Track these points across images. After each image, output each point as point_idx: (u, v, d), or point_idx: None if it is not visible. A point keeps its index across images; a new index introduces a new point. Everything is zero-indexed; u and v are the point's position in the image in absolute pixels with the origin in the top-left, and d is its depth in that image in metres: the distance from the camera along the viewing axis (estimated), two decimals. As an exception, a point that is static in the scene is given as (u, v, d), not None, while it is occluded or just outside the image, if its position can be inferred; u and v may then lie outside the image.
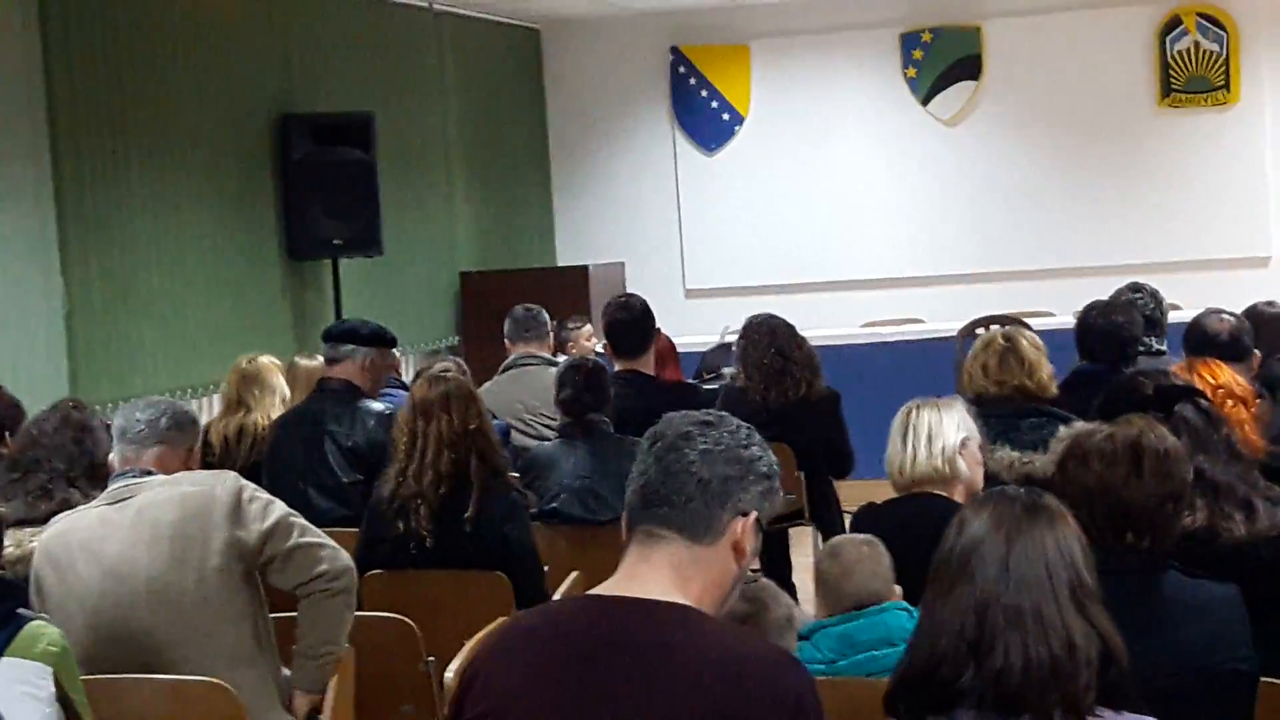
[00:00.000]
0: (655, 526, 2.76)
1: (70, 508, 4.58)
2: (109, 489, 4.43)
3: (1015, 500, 2.83)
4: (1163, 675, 3.23)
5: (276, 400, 6.94)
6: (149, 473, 4.42)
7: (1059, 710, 2.65)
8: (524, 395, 7.60)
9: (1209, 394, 4.81)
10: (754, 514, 2.79)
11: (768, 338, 7.55)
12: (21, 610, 3.88)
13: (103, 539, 4.27)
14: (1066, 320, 7.16)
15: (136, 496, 4.32)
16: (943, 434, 4.92)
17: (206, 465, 6.41)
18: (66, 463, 4.95)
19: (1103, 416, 4.15)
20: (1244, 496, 4.10)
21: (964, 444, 4.94)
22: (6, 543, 4.54)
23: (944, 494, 4.85)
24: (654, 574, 2.73)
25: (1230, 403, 5.13)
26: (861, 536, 4.35)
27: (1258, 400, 5.46)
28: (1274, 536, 4.05)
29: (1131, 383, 4.87)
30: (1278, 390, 6.05)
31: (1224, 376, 5.47)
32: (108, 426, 4.93)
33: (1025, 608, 2.69)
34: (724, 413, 2.90)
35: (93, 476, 4.86)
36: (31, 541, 4.44)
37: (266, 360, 7.15)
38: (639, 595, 2.70)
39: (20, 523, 4.66)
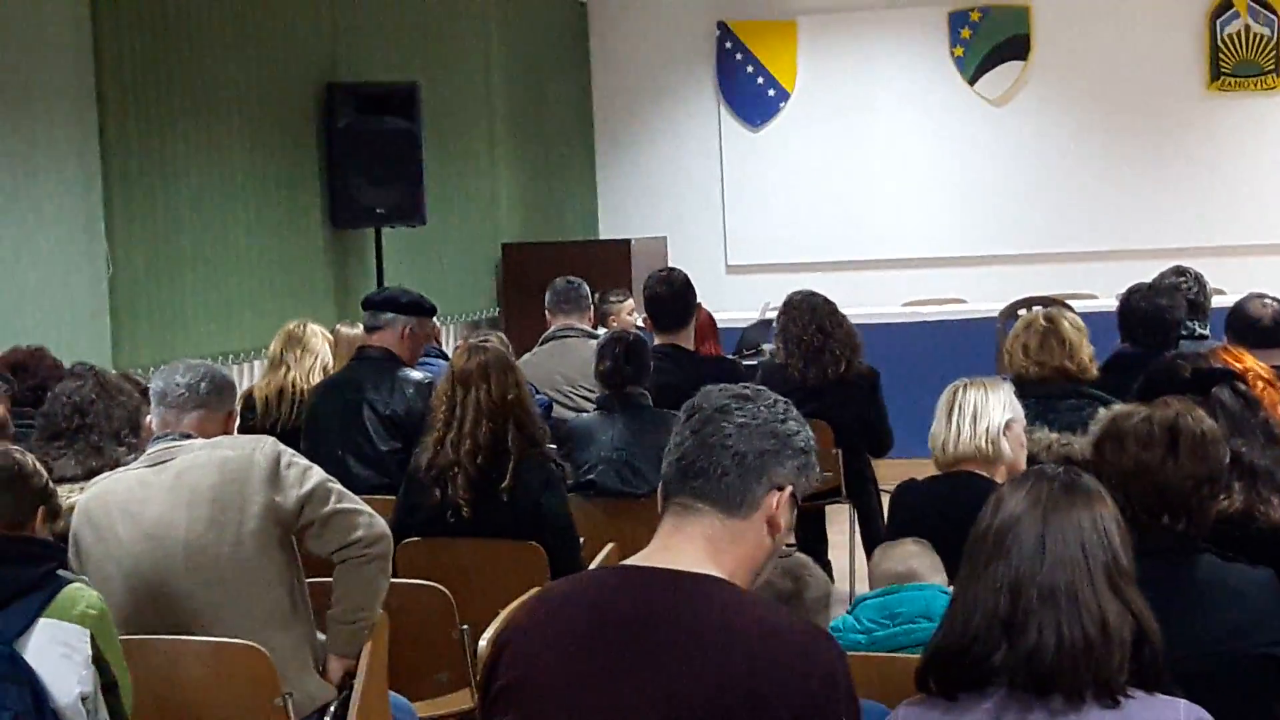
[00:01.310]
0: (690, 499, 2.76)
1: (119, 465, 4.61)
2: (148, 451, 4.45)
3: (1053, 479, 2.82)
4: (1196, 658, 3.21)
5: (317, 364, 6.95)
6: (188, 436, 4.44)
7: (1091, 690, 2.65)
8: (563, 367, 7.60)
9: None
10: (789, 488, 2.78)
11: (808, 314, 7.55)
12: (62, 572, 3.92)
13: (142, 501, 4.30)
14: (1109, 303, 7.13)
15: (176, 459, 4.34)
16: (988, 414, 4.91)
17: (248, 426, 6.47)
18: (112, 422, 5.00)
19: (1141, 399, 4.14)
20: None
21: (1009, 425, 4.93)
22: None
23: (985, 474, 4.83)
24: (688, 545, 2.73)
25: (1260, 385, 5.13)
26: (910, 539, 4.36)
27: None
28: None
29: (1169, 365, 4.86)
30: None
31: (1248, 360, 5.47)
32: (145, 390, 4.97)
33: (1060, 587, 2.69)
34: (762, 387, 2.89)
35: (136, 432, 4.91)
36: (71, 497, 4.46)
37: (316, 327, 7.18)
38: (672, 567, 2.70)
39: (62, 479, 4.69)
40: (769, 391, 2.87)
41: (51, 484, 4.12)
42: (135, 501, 4.30)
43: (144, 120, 8.33)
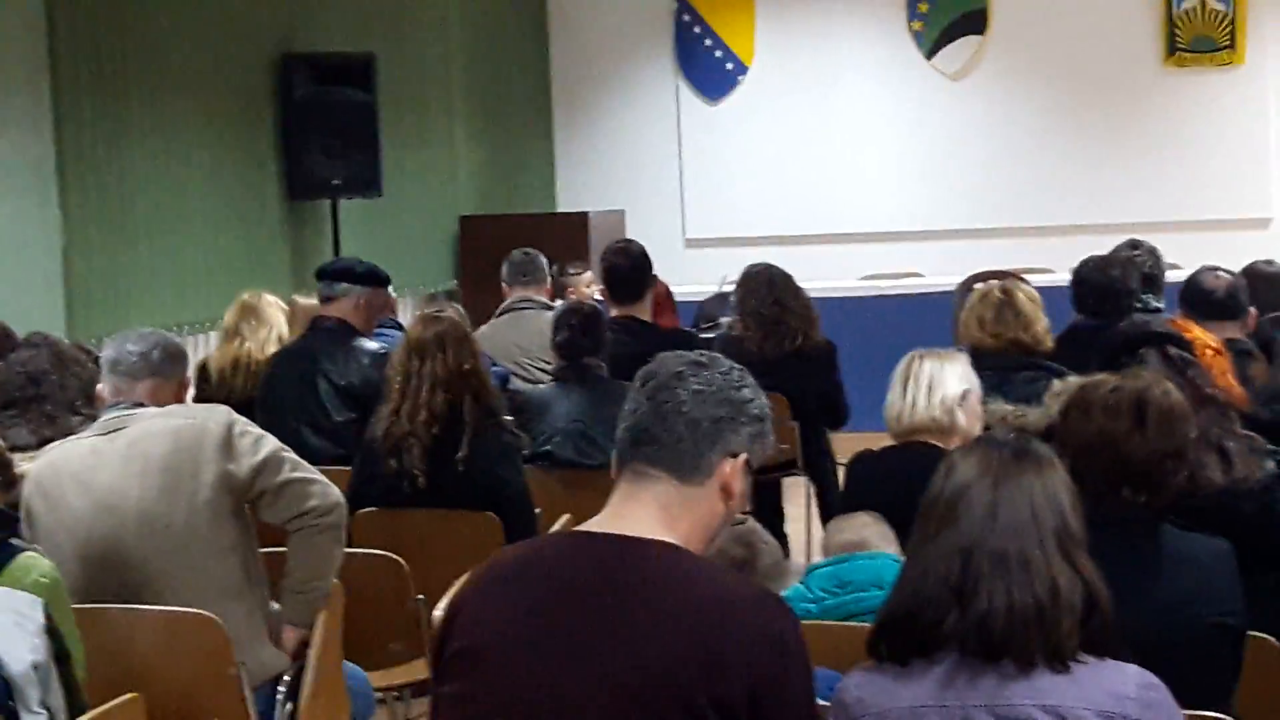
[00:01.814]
0: (644, 465, 2.75)
1: (72, 433, 4.59)
2: (101, 420, 4.43)
3: (1004, 446, 2.83)
4: (1150, 626, 3.22)
5: (272, 335, 6.92)
6: (140, 405, 4.42)
7: (1041, 655, 2.65)
8: (520, 339, 7.59)
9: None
10: (744, 456, 2.78)
11: (765, 287, 7.55)
12: (15, 541, 3.89)
13: (94, 469, 4.27)
14: (1065, 277, 7.16)
15: (128, 428, 4.32)
16: (943, 384, 4.92)
17: (203, 397, 6.43)
18: (66, 392, 4.97)
19: (1106, 369, 4.13)
20: (1217, 441, 4.08)
21: (964, 396, 4.94)
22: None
23: (941, 444, 4.84)
24: (642, 512, 2.73)
25: (1209, 354, 5.16)
26: (863, 512, 4.37)
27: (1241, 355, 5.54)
28: (1256, 489, 4.05)
29: (1119, 334, 4.88)
30: (1273, 348, 6.06)
31: (1196, 331, 5.51)
32: (95, 358, 4.94)
33: (1010, 553, 2.69)
34: (717, 354, 2.89)
35: (91, 402, 4.89)
36: (23, 466, 4.43)
37: (271, 298, 7.15)
38: (626, 533, 2.70)
39: (15, 448, 4.66)
40: (724, 359, 2.87)
41: (6, 453, 4.09)
42: (87, 470, 4.27)
43: (98, 90, 8.27)
